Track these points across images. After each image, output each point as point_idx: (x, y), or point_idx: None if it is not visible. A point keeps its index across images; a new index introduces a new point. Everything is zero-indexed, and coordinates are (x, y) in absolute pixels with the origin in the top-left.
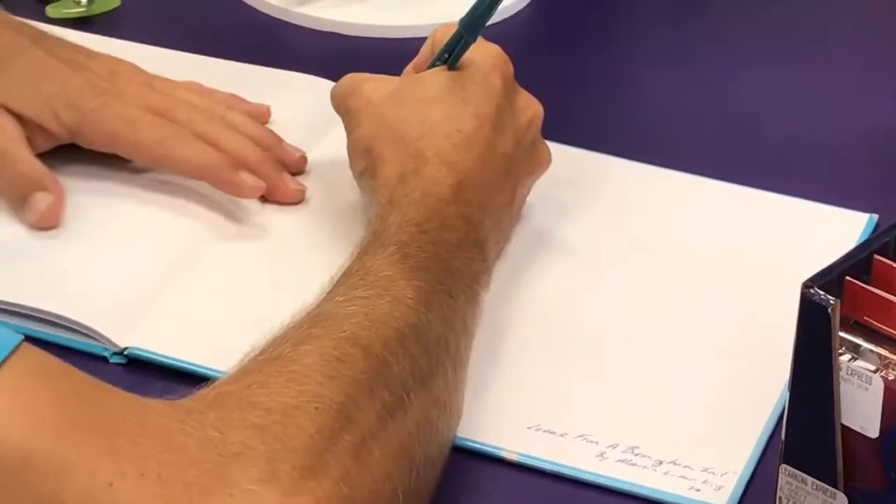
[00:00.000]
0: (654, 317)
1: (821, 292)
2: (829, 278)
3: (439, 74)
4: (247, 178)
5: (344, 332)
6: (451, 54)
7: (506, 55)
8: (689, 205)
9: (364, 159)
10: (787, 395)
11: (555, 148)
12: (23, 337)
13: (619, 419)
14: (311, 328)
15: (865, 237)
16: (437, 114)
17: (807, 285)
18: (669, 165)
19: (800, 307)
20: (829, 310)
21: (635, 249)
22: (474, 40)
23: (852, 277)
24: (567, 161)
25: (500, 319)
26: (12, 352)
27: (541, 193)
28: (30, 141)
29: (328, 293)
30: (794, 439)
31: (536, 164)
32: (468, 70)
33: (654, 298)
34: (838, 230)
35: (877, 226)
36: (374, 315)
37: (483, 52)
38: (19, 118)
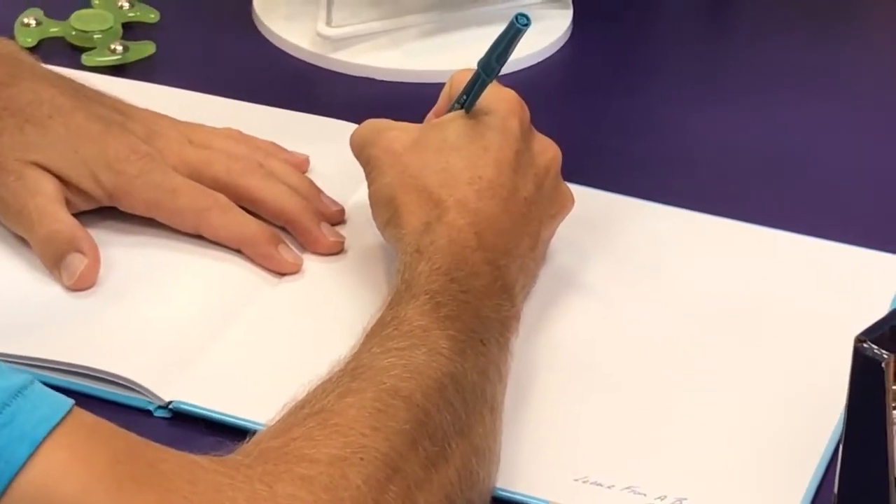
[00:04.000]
0: (689, 363)
1: (874, 346)
2: (882, 332)
3: (458, 121)
4: (285, 254)
5: (384, 384)
6: (468, 95)
7: (521, 100)
8: (718, 248)
9: (387, 210)
10: (839, 447)
11: (579, 190)
12: (74, 402)
13: (666, 469)
14: (352, 381)
15: None
16: (458, 161)
17: (860, 339)
18: (694, 207)
19: (853, 362)
20: (883, 364)
21: (664, 293)
22: (491, 80)
23: None
24: (592, 203)
25: (529, 364)
26: (67, 414)
27: (564, 235)
28: (68, 202)
29: (363, 344)
30: (847, 493)
31: (559, 206)
32: (486, 116)
33: (686, 344)
34: (877, 274)
35: None
36: (412, 366)
37: (499, 98)
38: (58, 178)
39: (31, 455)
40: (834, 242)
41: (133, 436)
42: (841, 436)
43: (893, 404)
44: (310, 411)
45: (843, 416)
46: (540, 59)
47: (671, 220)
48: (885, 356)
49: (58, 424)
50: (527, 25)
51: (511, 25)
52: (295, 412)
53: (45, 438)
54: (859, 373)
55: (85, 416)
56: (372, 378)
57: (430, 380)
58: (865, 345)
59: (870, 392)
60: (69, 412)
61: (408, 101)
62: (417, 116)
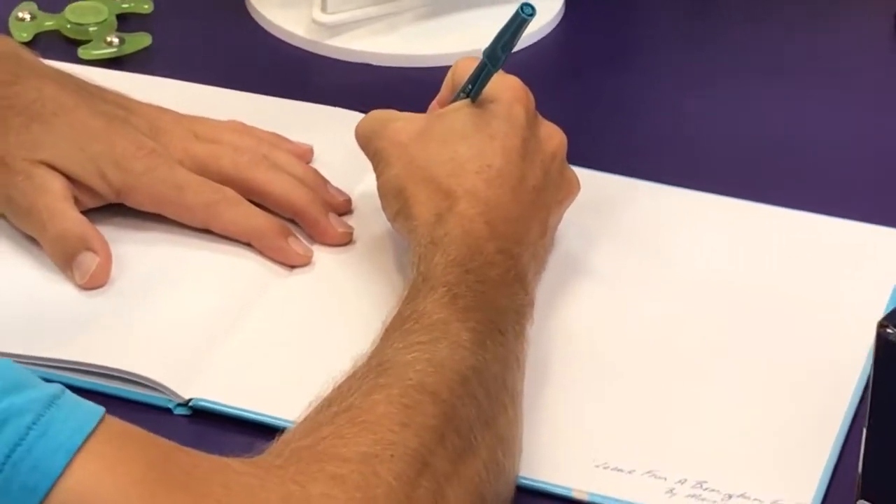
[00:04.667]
0: (701, 344)
1: None
2: None
3: (463, 110)
4: (295, 245)
5: (410, 379)
6: (474, 85)
7: (526, 87)
8: (723, 227)
9: (397, 201)
10: (853, 425)
11: (583, 173)
12: (105, 409)
13: (685, 452)
14: (377, 377)
15: None
16: (466, 150)
17: (882, 325)
18: (700, 187)
19: (875, 347)
20: None
21: (672, 275)
22: (497, 70)
23: None
24: (596, 186)
25: (543, 351)
26: (99, 422)
27: (570, 220)
28: (76, 200)
29: (385, 339)
30: (872, 474)
31: (566, 192)
32: (491, 104)
33: (698, 325)
34: (881, 249)
35: None
36: (436, 360)
37: (504, 86)
38: (66, 176)
39: (67, 465)
40: (837, 219)
41: (165, 441)
42: (865, 418)
43: None
44: (338, 409)
45: (856, 395)
46: (534, 41)
47: (673, 199)
48: None
49: (91, 433)
50: (532, 15)
51: (516, 15)
52: (323, 410)
53: (79, 448)
54: (883, 357)
55: (116, 424)
56: (397, 374)
57: (454, 373)
58: (889, 329)
59: (893, 376)
60: (101, 420)
61: (406, 86)
62: (417, 101)
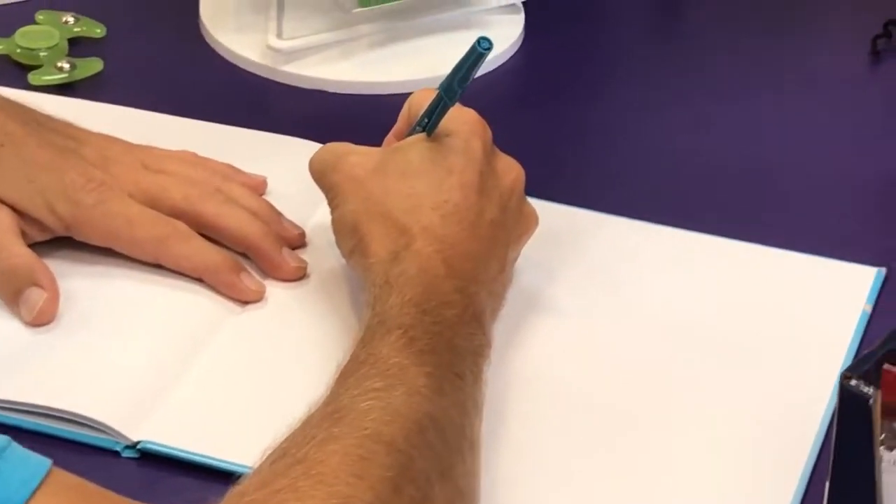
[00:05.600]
0: (663, 383)
1: (861, 383)
2: (868, 366)
3: (420, 145)
4: (248, 281)
5: (366, 429)
6: (430, 118)
7: (483, 120)
8: (684, 262)
9: (352, 237)
10: (818, 464)
11: (543, 205)
12: (52, 462)
13: (645, 494)
14: (332, 426)
15: (874, 293)
16: (423, 186)
17: (846, 376)
18: (663, 221)
19: (839, 398)
20: (870, 401)
21: (631, 310)
22: (453, 104)
23: (890, 363)
24: (556, 219)
25: (500, 391)
26: (46, 475)
27: (530, 254)
28: (23, 233)
29: (340, 384)
30: None
31: (524, 227)
32: (448, 138)
33: (660, 363)
34: (846, 286)
35: (885, 280)
36: (392, 408)
37: (461, 119)
38: (13, 209)
39: None
40: (801, 254)
41: (114, 495)
42: (828, 468)
43: (881, 438)
44: (292, 460)
45: (818, 439)
46: (493, 67)
47: (636, 232)
48: (872, 393)
49: (38, 487)
50: (489, 49)
51: (473, 49)
52: (277, 461)
53: (26, 503)
54: (846, 410)
55: (64, 477)
56: (353, 423)
57: (411, 422)
58: (852, 381)
59: (856, 428)
60: (48, 473)
61: (363, 113)
62: (373, 129)
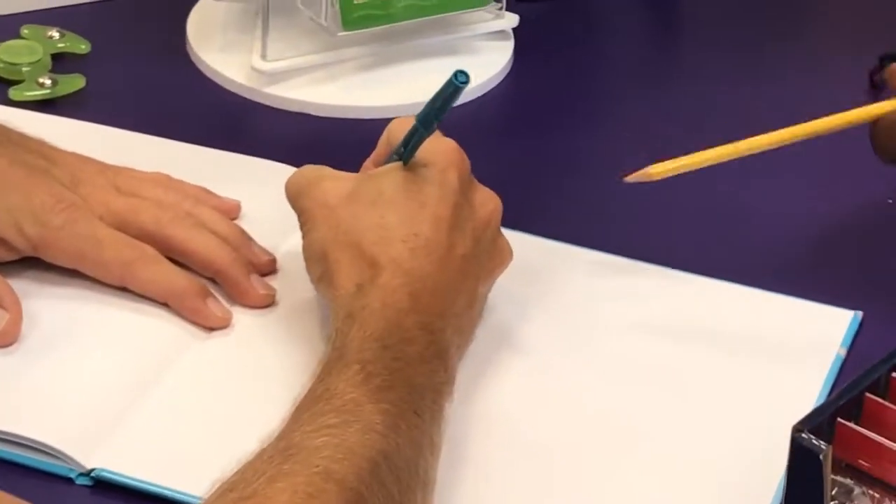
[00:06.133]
0: (632, 425)
1: (812, 437)
2: (820, 421)
3: (395, 174)
4: (214, 307)
5: (317, 466)
6: (406, 148)
7: (461, 151)
8: (664, 300)
9: (320, 265)
10: None
11: (518, 237)
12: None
13: None
14: (282, 463)
15: (850, 336)
16: (394, 217)
17: (797, 429)
18: (643, 257)
19: (790, 452)
20: (821, 456)
21: (603, 349)
22: (430, 134)
23: (843, 416)
24: (531, 251)
25: (464, 431)
26: None
27: (503, 287)
28: None
29: (294, 419)
30: None
31: (497, 261)
32: (424, 169)
33: (631, 404)
34: (821, 329)
35: (861, 323)
36: (345, 446)
37: (438, 150)
38: None
39: None
40: (778, 294)
41: None
42: None
43: (832, 492)
44: (240, 496)
45: (781, 482)
46: (480, 94)
47: (613, 270)
48: (824, 447)
49: None
50: (465, 83)
51: (449, 83)
52: (225, 495)
53: None
54: (797, 463)
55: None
56: (304, 460)
57: (364, 460)
58: (803, 435)
59: (808, 481)
60: None
61: (345, 137)
62: (355, 153)
